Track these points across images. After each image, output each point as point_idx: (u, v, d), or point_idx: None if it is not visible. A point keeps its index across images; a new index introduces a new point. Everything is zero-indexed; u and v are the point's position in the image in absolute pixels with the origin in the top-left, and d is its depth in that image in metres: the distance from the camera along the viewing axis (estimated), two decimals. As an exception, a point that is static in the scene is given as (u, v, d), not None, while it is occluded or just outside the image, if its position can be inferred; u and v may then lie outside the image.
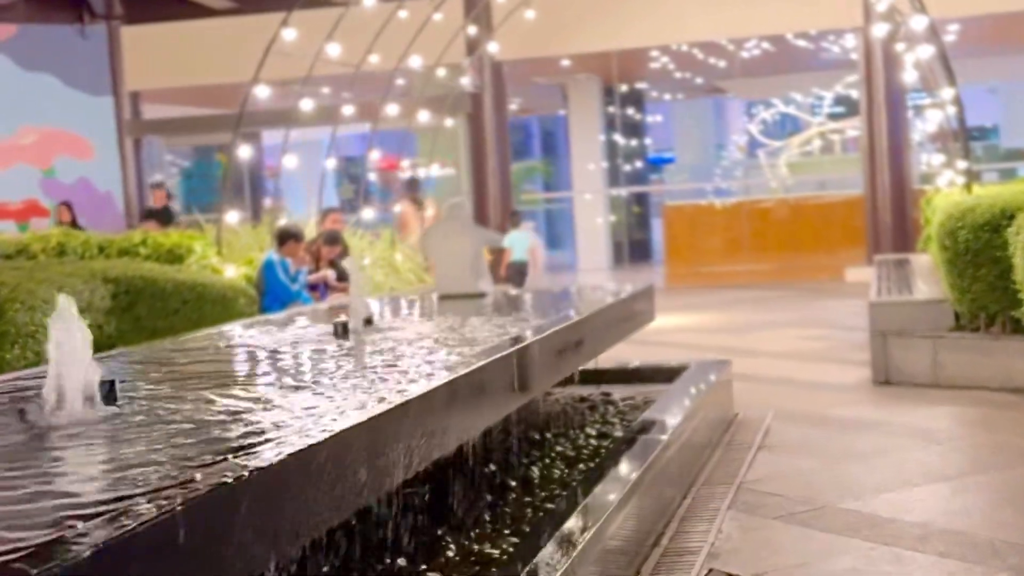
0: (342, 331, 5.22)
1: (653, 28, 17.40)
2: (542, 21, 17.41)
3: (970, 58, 20.53)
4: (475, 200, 17.84)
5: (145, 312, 8.83)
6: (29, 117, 17.89)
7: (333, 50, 13.11)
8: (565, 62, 19.97)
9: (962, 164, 10.05)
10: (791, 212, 17.88)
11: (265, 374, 4.22)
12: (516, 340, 4.74)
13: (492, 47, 15.86)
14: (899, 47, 12.17)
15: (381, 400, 3.22)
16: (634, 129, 25.24)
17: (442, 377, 3.68)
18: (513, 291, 7.66)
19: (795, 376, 9.23)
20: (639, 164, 25.64)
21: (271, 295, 9.49)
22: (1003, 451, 6.36)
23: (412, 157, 19.82)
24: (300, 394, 3.50)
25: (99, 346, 8.57)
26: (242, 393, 3.57)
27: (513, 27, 17.45)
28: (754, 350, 10.72)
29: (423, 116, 15.38)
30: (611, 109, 22.49)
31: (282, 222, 11.18)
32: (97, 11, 18.08)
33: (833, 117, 24.97)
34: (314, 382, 3.78)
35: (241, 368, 4.59)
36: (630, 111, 24.54)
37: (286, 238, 9.63)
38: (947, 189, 10.89)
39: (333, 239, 10.38)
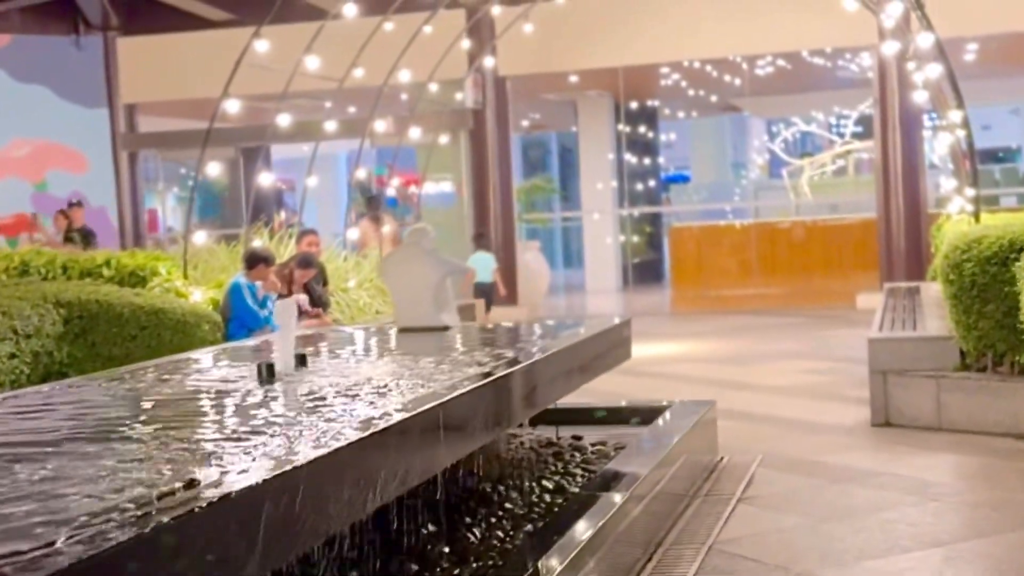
0: (266, 374, 4.71)
1: (662, 44, 16.89)
2: (547, 36, 16.94)
3: (992, 78, 19.95)
4: (476, 218, 17.34)
5: (100, 338, 8.35)
6: (22, 129, 17.51)
7: (329, 65, 12.70)
8: (573, 78, 19.47)
9: (970, 191, 9.48)
10: (803, 235, 17.31)
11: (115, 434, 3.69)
12: (452, 388, 4.22)
13: (490, 62, 15.36)
14: (910, 66, 11.61)
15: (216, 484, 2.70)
16: (647, 147, 24.72)
17: (332, 444, 3.16)
18: (480, 323, 7.15)
19: (791, 415, 8.67)
20: (652, 183, 25.12)
21: (237, 321, 9.00)
22: (1005, 510, 5.78)
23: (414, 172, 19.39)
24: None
25: (50, 374, 8.16)
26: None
27: (517, 42, 16.98)
28: (753, 384, 10.17)
29: (415, 133, 14.91)
30: (622, 127, 21.95)
31: (256, 243, 10.69)
32: (92, 22, 17.70)
33: (857, 137, 24.35)
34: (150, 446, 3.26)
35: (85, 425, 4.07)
36: (642, 129, 24.02)
37: (255, 261, 9.14)
38: (957, 216, 10.30)
39: (306, 262, 9.88)
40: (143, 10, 17.72)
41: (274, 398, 4.19)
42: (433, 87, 15.86)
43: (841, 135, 26.05)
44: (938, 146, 17.10)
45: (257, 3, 13.40)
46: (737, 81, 19.43)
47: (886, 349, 8.01)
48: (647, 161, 24.62)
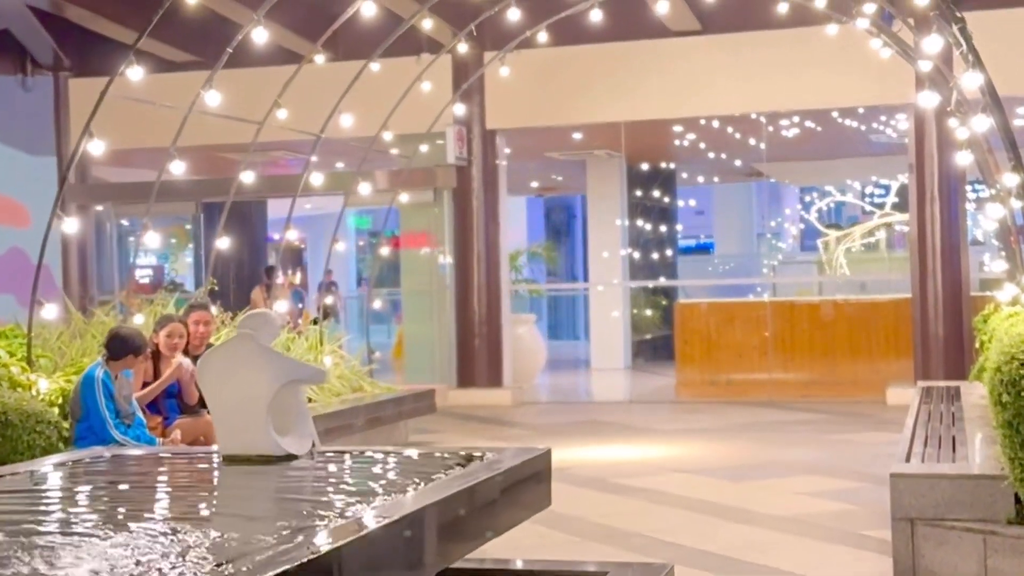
0: None
1: (672, 98, 14.98)
2: (541, 86, 15.10)
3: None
4: (458, 286, 15.40)
5: None
6: (-45, 178, 15.80)
7: (300, 114, 11.01)
8: (577, 135, 17.60)
9: (1030, 279, 7.47)
10: (827, 316, 15.22)
11: None
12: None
13: (458, 110, 13.49)
14: (952, 123, 9.62)
15: None
16: (663, 214, 22.77)
17: None
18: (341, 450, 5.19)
19: (790, 566, 6.60)
20: (669, 252, 23.13)
21: (85, 423, 7.06)
22: None
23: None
24: None
25: None
26: None
27: (509, 92, 15.15)
28: (749, 511, 8.10)
29: (364, 189, 13.10)
30: (629, 190, 20.09)
31: (136, 320, 8.77)
32: (41, 61, 16.01)
33: (898, 209, 22.27)
34: None
35: None
36: (656, 193, 22.08)
37: (121, 350, 7.18)
38: (1008, 308, 8.23)
39: (164, 322, 7.95)
40: (98, 50, 16.01)
41: None
42: (424, 147, 14.10)
43: (879, 206, 24.05)
44: (984, 219, 15.01)
45: (222, 45, 11.63)
46: (762, 145, 17.43)
47: (916, 489, 5.96)
48: (663, 229, 22.66)
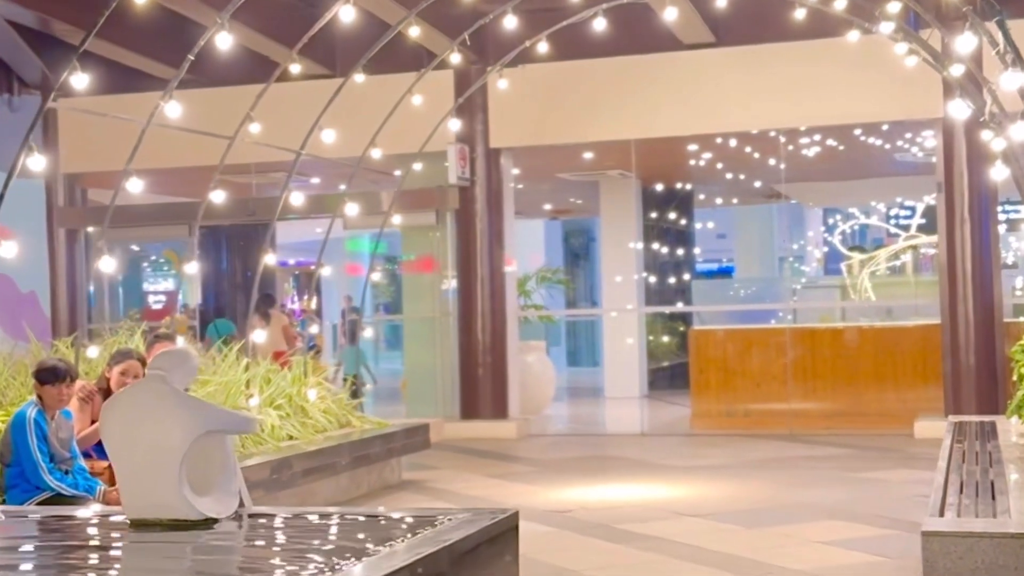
0: None
1: (685, 115, 14.20)
2: (548, 103, 14.38)
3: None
4: (461, 312, 14.63)
5: None
6: (-62, 201, 15.11)
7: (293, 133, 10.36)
8: (588, 154, 16.85)
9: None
10: (850, 343, 14.37)
11: None
12: None
13: (460, 128, 12.76)
14: (985, 135, 8.85)
15: None
16: (680, 237, 21.98)
17: None
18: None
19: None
20: (687, 276, 22.33)
21: (16, 468, 6.33)
22: None
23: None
24: None
25: None
26: None
27: (513, 109, 14.45)
28: (761, 563, 7.29)
29: (351, 211, 12.40)
30: (640, 212, 19.34)
31: (85, 351, 8.03)
32: (28, 80, 15.39)
33: (925, 232, 21.39)
34: None
35: None
36: (672, 215, 21.29)
37: (46, 379, 6.46)
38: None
39: (121, 357, 7.16)
40: (87, 68, 15.36)
41: None
42: (417, 166, 13.40)
43: (904, 228, 23.20)
44: (1017, 241, 14.16)
45: (213, 60, 10.97)
46: (782, 165, 16.60)
47: (951, 550, 5.15)
48: (680, 252, 21.87)
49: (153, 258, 23.07)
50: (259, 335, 14.46)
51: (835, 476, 10.68)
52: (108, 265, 8.78)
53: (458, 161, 14.18)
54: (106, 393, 7.00)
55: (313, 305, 34.86)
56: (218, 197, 10.33)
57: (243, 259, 21.19)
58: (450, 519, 3.95)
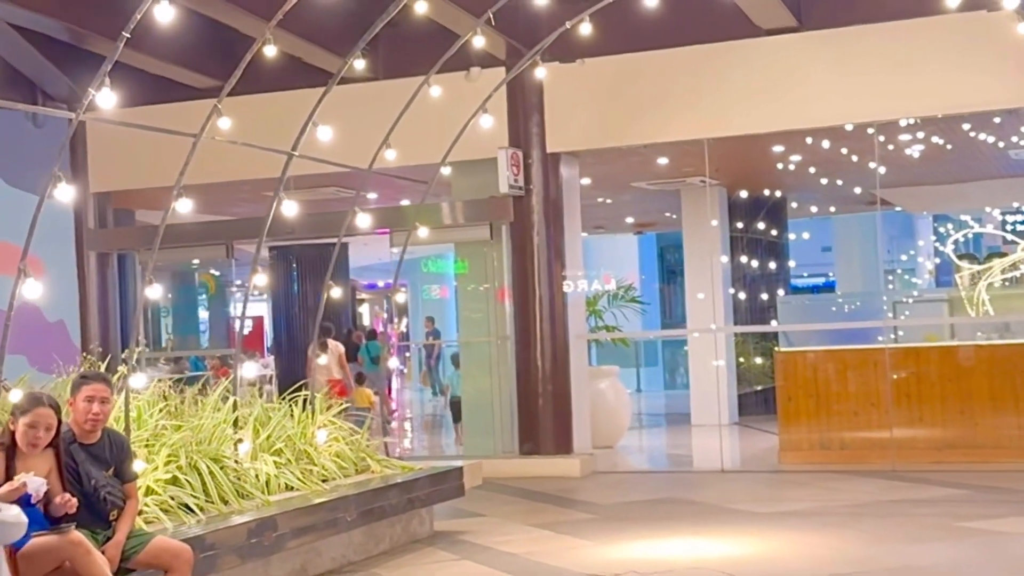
0: None
1: (766, 110, 12.53)
2: (611, 101, 12.89)
3: None
4: (519, 336, 13.15)
5: None
6: (-41, 225, 14.13)
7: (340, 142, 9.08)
8: (662, 159, 15.31)
9: None
10: (962, 364, 12.56)
11: None
12: None
13: (487, 122, 11.17)
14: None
15: None
16: (771, 249, 20.24)
17: None
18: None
19: None
20: (782, 292, 20.56)
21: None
22: None
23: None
24: None
25: None
26: None
27: (572, 109, 13.01)
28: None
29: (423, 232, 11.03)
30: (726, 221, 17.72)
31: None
32: (54, 95, 14.35)
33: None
34: None
35: None
36: (762, 225, 19.57)
37: None
38: None
39: (34, 401, 5.76)
40: (115, 80, 14.26)
41: None
42: (446, 170, 12.01)
43: (1021, 235, 21.16)
44: None
45: (250, 65, 9.68)
46: (882, 169, 14.79)
47: None
48: (772, 266, 20.13)
49: (239, 282, 21.99)
50: (321, 361, 13.32)
51: (944, 526, 8.93)
52: (155, 292, 7.85)
53: (510, 167, 12.75)
54: (9, 450, 5.67)
55: (404, 327, 33.74)
56: (290, 210, 9.02)
57: (314, 281, 20.01)
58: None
